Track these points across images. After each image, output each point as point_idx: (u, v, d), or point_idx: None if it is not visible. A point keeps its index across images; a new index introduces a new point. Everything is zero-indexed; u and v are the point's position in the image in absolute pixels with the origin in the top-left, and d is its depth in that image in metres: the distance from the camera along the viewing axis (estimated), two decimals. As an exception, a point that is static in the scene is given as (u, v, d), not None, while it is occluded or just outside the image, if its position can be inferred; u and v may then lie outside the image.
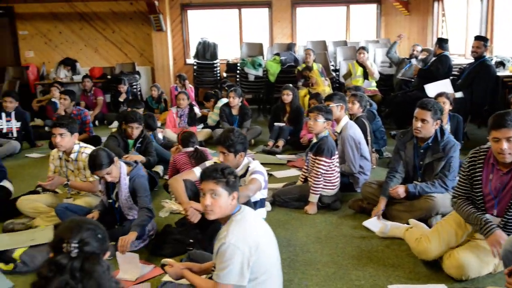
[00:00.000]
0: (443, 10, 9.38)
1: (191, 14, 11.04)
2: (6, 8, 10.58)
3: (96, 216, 3.49)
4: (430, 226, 3.43)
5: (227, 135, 3.31)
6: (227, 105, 6.82)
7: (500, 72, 6.54)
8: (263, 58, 9.82)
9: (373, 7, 10.98)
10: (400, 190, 3.65)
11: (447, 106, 4.85)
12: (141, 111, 6.15)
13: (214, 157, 4.06)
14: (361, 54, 7.87)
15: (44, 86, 10.11)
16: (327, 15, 11.26)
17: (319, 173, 4.05)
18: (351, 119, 4.89)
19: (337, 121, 4.61)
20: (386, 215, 3.83)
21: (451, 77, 6.60)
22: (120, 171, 3.46)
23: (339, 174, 4.23)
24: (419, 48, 8.01)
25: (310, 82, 7.86)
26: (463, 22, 8.65)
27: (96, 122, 8.58)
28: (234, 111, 6.77)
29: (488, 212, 2.82)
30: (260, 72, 9.32)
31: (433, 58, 7.13)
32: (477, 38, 6.28)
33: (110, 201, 3.58)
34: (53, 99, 8.16)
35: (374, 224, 3.75)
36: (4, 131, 6.60)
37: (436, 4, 9.45)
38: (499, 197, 2.77)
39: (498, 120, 2.63)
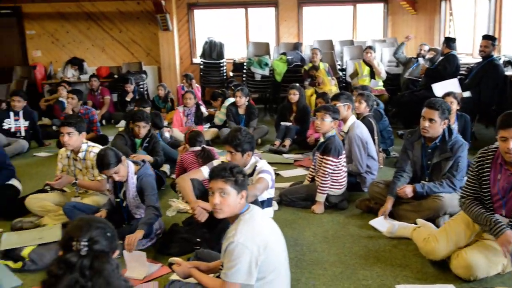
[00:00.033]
0: (451, 9, 9.32)
1: (198, 13, 11.06)
2: (14, 8, 10.65)
3: (104, 215, 3.50)
4: (438, 226, 3.42)
5: (234, 134, 3.32)
6: (233, 104, 6.83)
7: (508, 72, 6.49)
8: (270, 58, 9.82)
9: (380, 6, 10.95)
10: (407, 190, 3.64)
11: (455, 106, 4.82)
12: (148, 110, 6.16)
13: (221, 156, 4.06)
14: (368, 53, 7.85)
15: (52, 85, 10.17)
16: (333, 14, 11.24)
17: (326, 173, 4.04)
18: (358, 118, 4.88)
19: (344, 120, 4.60)
20: (393, 215, 3.82)
21: (458, 77, 6.56)
22: (127, 170, 3.47)
23: (346, 174, 4.22)
24: (426, 48, 7.98)
25: (317, 81, 7.85)
26: (470, 21, 8.60)
27: (103, 122, 8.61)
28: (241, 111, 6.78)
29: (497, 212, 2.81)
30: (266, 72, 9.32)
31: (441, 58, 7.09)
32: (485, 37, 6.24)
33: (118, 200, 3.60)
34: (60, 99, 8.19)
35: (381, 223, 3.74)
36: (13, 130, 6.64)
37: (443, 3, 9.39)
38: (507, 197, 2.76)
39: (506, 120, 2.63)
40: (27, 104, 6.85)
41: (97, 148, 4.04)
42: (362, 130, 4.53)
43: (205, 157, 4.42)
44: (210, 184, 2.29)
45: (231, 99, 7.10)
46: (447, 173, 3.59)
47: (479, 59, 6.44)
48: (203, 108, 7.69)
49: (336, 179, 4.12)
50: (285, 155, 6.01)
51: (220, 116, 7.22)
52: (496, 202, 2.81)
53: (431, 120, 3.57)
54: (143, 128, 4.89)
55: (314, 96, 7.35)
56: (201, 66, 10.30)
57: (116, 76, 10.32)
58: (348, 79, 8.75)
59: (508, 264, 2.86)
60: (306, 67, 8.45)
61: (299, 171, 5.34)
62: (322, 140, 4.19)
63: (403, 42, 8.23)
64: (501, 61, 6.53)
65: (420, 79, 7.45)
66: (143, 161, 3.82)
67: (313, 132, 6.19)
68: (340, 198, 4.18)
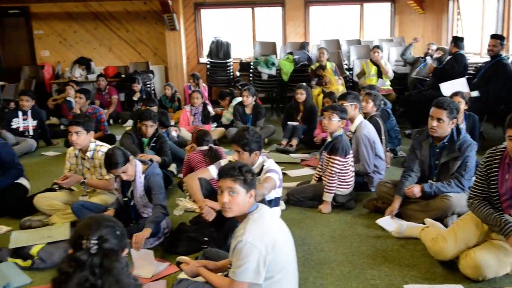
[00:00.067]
0: (459, 8, 9.28)
1: (205, 13, 11.08)
2: (22, 8, 10.72)
3: (112, 214, 3.51)
4: (446, 226, 3.40)
5: (242, 134, 3.32)
6: (240, 104, 6.84)
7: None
8: (277, 57, 9.82)
9: (387, 5, 10.91)
10: (415, 190, 3.63)
11: (463, 106, 4.79)
12: (155, 109, 6.17)
13: (228, 156, 4.07)
14: (375, 53, 7.82)
15: (59, 85, 10.23)
16: (340, 13, 11.21)
17: (333, 172, 4.04)
18: (365, 118, 4.87)
19: (351, 120, 4.59)
20: (401, 215, 3.81)
21: (466, 76, 6.53)
22: (135, 169, 3.49)
23: (353, 173, 4.21)
24: (434, 47, 7.94)
25: (324, 81, 7.84)
26: (479, 20, 8.55)
27: (111, 121, 8.65)
28: (248, 110, 6.79)
29: (505, 212, 2.79)
30: (273, 71, 9.33)
31: (449, 57, 7.06)
32: (493, 36, 6.21)
33: (126, 199, 3.61)
34: (68, 98, 8.22)
35: (388, 222, 3.73)
36: (21, 129, 6.69)
37: (451, 2, 9.35)
38: (515, 197, 2.74)
39: (514, 119, 2.61)
40: (35, 104, 6.89)
41: (105, 147, 4.06)
42: (369, 130, 4.52)
43: (212, 157, 4.43)
44: (219, 183, 2.30)
45: (239, 99, 7.11)
46: (456, 173, 3.58)
47: (487, 59, 6.40)
48: (210, 108, 7.70)
49: (344, 178, 4.12)
50: (292, 155, 6.01)
51: (227, 115, 7.23)
52: (505, 202, 2.79)
53: (439, 119, 3.56)
54: (150, 127, 4.89)
55: (321, 95, 7.34)
56: (208, 66, 10.31)
57: (123, 75, 10.37)
58: (355, 78, 8.74)
59: (517, 264, 2.85)
60: (313, 67, 8.44)
61: (306, 171, 5.34)
62: (329, 139, 4.18)
63: (411, 43, 8.21)
64: (509, 61, 6.47)
65: (427, 79, 7.42)
66: (151, 160, 3.84)
67: (320, 132, 6.19)
68: (347, 198, 4.17)
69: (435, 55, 7.74)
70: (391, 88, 7.90)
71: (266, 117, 7.42)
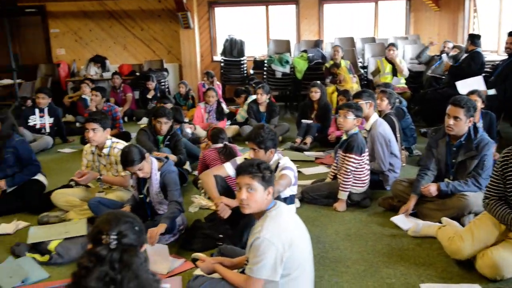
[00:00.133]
0: (475, 6, 9.17)
1: (219, 11, 11.09)
2: (39, 7, 10.83)
3: (128, 210, 3.54)
4: (463, 225, 3.37)
5: (257, 131, 3.33)
6: (254, 102, 6.84)
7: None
8: (290, 55, 9.80)
9: (402, 3, 10.82)
10: (432, 189, 3.60)
11: (479, 104, 4.73)
12: (169, 106, 6.19)
13: (244, 154, 4.07)
14: (390, 50, 7.76)
15: (75, 83, 10.32)
16: (355, 11, 11.15)
17: (348, 170, 4.02)
18: (379, 116, 4.84)
19: (366, 118, 4.56)
20: (417, 214, 3.78)
21: (483, 74, 6.45)
22: (151, 166, 3.51)
23: (369, 172, 4.19)
24: (450, 45, 7.87)
25: (338, 79, 7.81)
26: (495, 17, 8.45)
27: (125, 118, 8.67)
28: (262, 108, 6.79)
29: (522, 212, 2.76)
30: (287, 69, 9.31)
31: (465, 55, 6.99)
32: (511, 34, 6.13)
33: (141, 196, 3.64)
34: (83, 96, 8.30)
35: (402, 221, 3.72)
36: (38, 126, 6.76)
37: (467, -1, 9.25)
38: (530, 197, 2.71)
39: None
40: (52, 101, 6.96)
41: (121, 144, 4.10)
42: (384, 128, 4.49)
43: (227, 154, 4.44)
44: (237, 179, 2.31)
45: (254, 96, 7.11)
46: (473, 172, 3.54)
47: (505, 56, 6.33)
48: (223, 105, 7.70)
49: (359, 177, 4.10)
50: (306, 153, 6.00)
51: (242, 113, 7.23)
52: (521, 201, 2.76)
53: (456, 118, 3.52)
54: (164, 124, 4.89)
55: (335, 93, 7.32)
56: (222, 64, 10.33)
57: (137, 73, 10.43)
58: (370, 76, 8.69)
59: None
60: (327, 65, 8.41)
61: (320, 169, 5.33)
62: (344, 137, 4.17)
63: (427, 46, 8.15)
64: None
65: (443, 77, 7.35)
66: (166, 157, 3.86)
67: (335, 130, 6.17)
68: (363, 196, 4.16)
69: (451, 53, 7.67)
70: (406, 86, 7.85)
71: (280, 115, 7.42)
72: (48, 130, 6.81)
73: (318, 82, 6.86)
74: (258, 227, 2.19)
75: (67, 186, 4.34)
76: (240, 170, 2.28)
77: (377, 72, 8.07)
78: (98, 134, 4.01)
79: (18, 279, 3.01)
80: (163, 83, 10.02)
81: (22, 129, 6.41)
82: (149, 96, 8.89)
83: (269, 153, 3.36)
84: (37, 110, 6.79)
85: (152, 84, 8.94)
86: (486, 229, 2.95)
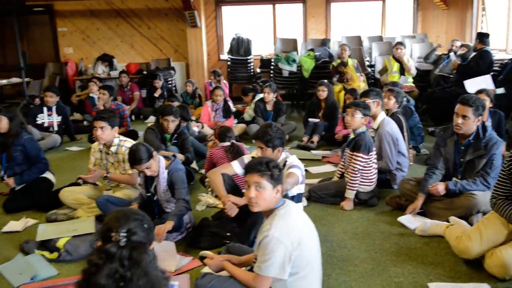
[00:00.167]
0: (483, 4, 9.11)
1: (225, 10, 11.09)
2: (46, 6, 10.90)
3: (136, 208, 3.55)
4: (471, 224, 3.36)
5: (265, 130, 3.32)
6: (261, 100, 6.84)
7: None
8: (297, 54, 9.79)
9: (409, 1, 10.77)
10: (440, 187, 3.59)
11: (488, 103, 4.72)
12: (175, 104, 6.19)
13: (251, 152, 4.07)
14: (398, 49, 7.73)
15: (83, 81, 10.38)
16: (362, 10, 11.11)
17: (356, 169, 4.02)
18: (386, 114, 4.82)
19: (374, 117, 4.55)
20: (424, 213, 3.77)
21: (492, 73, 6.42)
22: (159, 165, 3.52)
23: (376, 171, 4.18)
24: (458, 43, 7.83)
25: (345, 77, 7.79)
26: (504, 16, 8.39)
27: (132, 117, 8.69)
28: (269, 107, 6.79)
29: (530, 212, 2.75)
30: (294, 68, 9.30)
31: (473, 54, 6.95)
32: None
33: (149, 194, 3.65)
34: (91, 94, 8.34)
35: (409, 220, 3.71)
36: (46, 125, 6.79)
37: (475, -2, 9.19)
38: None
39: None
40: (60, 100, 7.00)
41: (128, 142, 4.11)
42: (392, 127, 4.48)
43: (234, 153, 4.45)
44: (246, 177, 2.31)
45: (261, 95, 7.11)
46: (481, 171, 3.52)
47: (514, 55, 6.29)
48: (230, 103, 7.71)
49: (366, 175, 4.09)
50: (313, 152, 6.00)
51: (249, 111, 7.23)
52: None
53: (464, 116, 3.51)
54: (171, 123, 4.88)
55: (343, 92, 7.31)
56: (229, 63, 10.33)
57: (145, 72, 10.47)
58: (377, 75, 8.66)
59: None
60: (334, 63, 8.39)
61: (327, 168, 5.33)
62: (352, 136, 4.16)
63: (435, 48, 8.11)
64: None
65: (451, 76, 7.32)
66: (174, 155, 3.87)
67: (342, 129, 6.17)
68: (370, 195, 4.15)
69: (459, 52, 7.63)
70: (413, 85, 7.82)
71: (287, 114, 7.40)
72: (56, 128, 6.84)
73: (326, 81, 6.84)
74: (267, 225, 2.19)
75: (75, 184, 4.36)
76: (249, 168, 2.29)
77: (384, 71, 8.05)
78: (106, 132, 4.03)
79: (27, 276, 3.03)
80: (170, 82, 10.05)
81: (31, 127, 6.44)
82: (156, 94, 8.92)
83: (277, 151, 3.35)
84: (45, 109, 6.82)
85: (159, 83, 8.98)
86: (494, 228, 2.94)
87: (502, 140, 3.69)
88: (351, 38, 10.04)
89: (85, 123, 8.17)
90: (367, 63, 9.32)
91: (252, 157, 3.41)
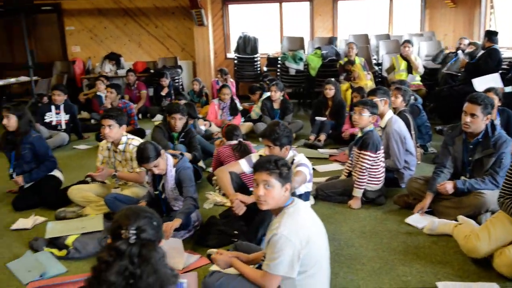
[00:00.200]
0: (492, 2, 9.05)
1: (232, 8, 11.09)
2: (54, 5, 10.94)
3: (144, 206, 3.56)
4: (479, 224, 3.34)
5: (272, 128, 3.32)
6: (268, 99, 6.84)
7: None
8: (304, 52, 9.77)
9: (417, -1, 10.72)
10: (448, 186, 3.57)
11: (496, 102, 4.68)
12: (182, 102, 6.20)
13: (259, 151, 4.07)
14: (406, 47, 7.70)
15: (90, 80, 10.42)
16: (369, 8, 11.07)
17: (363, 168, 4.01)
18: (394, 113, 4.81)
19: (381, 116, 4.54)
20: (433, 212, 3.76)
21: (500, 71, 6.38)
22: (166, 163, 3.53)
23: (384, 169, 4.17)
24: (466, 42, 7.77)
25: (352, 76, 7.76)
26: (513, 14, 8.34)
27: (140, 115, 8.72)
28: (276, 105, 6.79)
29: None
30: (301, 66, 9.28)
31: (482, 52, 6.90)
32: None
33: (157, 192, 3.66)
34: (98, 93, 8.36)
35: (417, 220, 3.69)
36: (54, 123, 6.84)
37: (484, -5, 9.13)
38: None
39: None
40: (68, 98, 7.03)
41: (136, 140, 4.12)
42: (400, 125, 4.47)
43: (242, 151, 4.45)
44: (254, 176, 2.31)
45: (268, 93, 7.10)
46: (490, 170, 3.51)
47: (522, 53, 6.25)
48: (237, 101, 7.71)
49: (374, 174, 4.08)
50: (320, 150, 5.99)
51: (257, 110, 7.23)
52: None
53: (473, 115, 3.49)
54: (179, 120, 4.87)
55: (349, 91, 7.28)
56: (235, 61, 10.32)
57: (152, 70, 10.49)
58: (384, 73, 8.63)
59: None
60: (341, 62, 8.37)
61: (334, 166, 5.32)
62: (360, 134, 4.15)
63: (442, 50, 8.08)
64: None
65: (459, 74, 7.27)
66: (181, 153, 3.88)
67: (349, 127, 6.16)
68: (378, 194, 4.14)
69: (467, 50, 7.58)
70: (421, 83, 7.78)
71: (294, 113, 7.40)
72: (64, 126, 6.88)
73: (333, 79, 6.83)
74: (276, 224, 2.20)
75: (83, 182, 4.38)
76: (258, 166, 2.29)
77: (391, 69, 8.01)
78: (114, 130, 4.04)
79: (36, 273, 3.06)
80: (177, 80, 10.06)
81: (39, 126, 6.47)
82: (163, 93, 8.94)
83: (284, 150, 3.35)
84: (53, 107, 6.86)
85: (166, 81, 8.99)
86: (503, 227, 2.92)
87: (511, 138, 3.66)
88: (358, 36, 10.00)
89: (92, 121, 8.21)
90: (374, 61, 9.28)
91: (260, 155, 3.41)
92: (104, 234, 3.42)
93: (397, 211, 3.97)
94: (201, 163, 5.25)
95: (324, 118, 6.50)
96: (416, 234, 3.50)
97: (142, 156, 3.39)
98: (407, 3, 10.83)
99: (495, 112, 4.68)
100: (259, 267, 2.37)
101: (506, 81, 6.01)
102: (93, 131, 7.18)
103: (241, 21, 11.08)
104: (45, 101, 7.88)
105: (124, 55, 10.93)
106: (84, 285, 1.59)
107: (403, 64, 7.76)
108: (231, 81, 9.08)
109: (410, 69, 7.71)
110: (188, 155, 4.61)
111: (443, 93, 7.04)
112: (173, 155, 3.68)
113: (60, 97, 6.83)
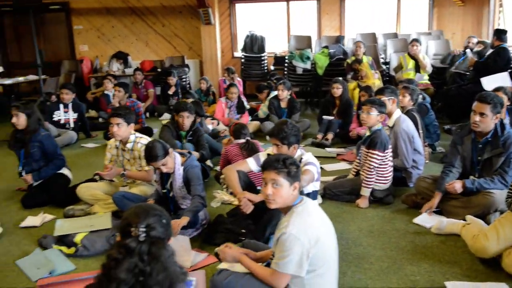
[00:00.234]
0: (500, 0, 8.99)
1: (239, 7, 11.09)
2: (62, 4, 10.99)
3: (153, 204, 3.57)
4: (488, 223, 3.32)
5: (280, 127, 3.32)
6: (276, 97, 6.84)
7: None
8: (311, 51, 9.75)
9: (425, -2, 10.67)
10: (457, 186, 3.56)
11: (505, 101, 4.66)
12: (190, 101, 6.21)
13: (267, 149, 4.07)
14: (414, 46, 7.66)
15: (98, 79, 10.46)
16: (376, 6, 11.02)
17: (371, 167, 4.00)
18: (402, 112, 4.79)
19: (389, 115, 4.52)
20: (441, 211, 3.74)
21: (509, 70, 6.33)
22: (174, 162, 3.54)
23: (392, 168, 4.15)
24: (474, 40, 7.73)
25: (360, 75, 7.74)
26: (522, 12, 8.28)
27: (147, 114, 8.74)
28: (283, 104, 6.79)
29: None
30: (308, 65, 9.27)
31: (490, 50, 6.86)
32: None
33: (165, 190, 3.67)
34: (106, 92, 8.40)
35: (425, 220, 3.67)
36: (62, 122, 6.87)
37: (493, -6, 9.07)
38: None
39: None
40: (76, 97, 7.07)
41: (144, 139, 4.14)
42: (408, 124, 4.45)
43: (250, 150, 4.46)
44: (263, 174, 2.31)
45: (276, 92, 7.10)
46: (499, 169, 3.49)
47: (532, 52, 6.20)
48: (244, 100, 7.71)
49: (382, 173, 4.07)
50: (327, 149, 5.98)
51: (264, 109, 7.23)
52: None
53: (482, 114, 3.47)
54: (186, 119, 4.88)
55: (357, 90, 7.25)
56: (242, 60, 10.32)
57: (159, 69, 10.51)
58: (392, 72, 8.60)
59: None
60: (349, 61, 8.35)
61: (342, 165, 5.31)
62: (368, 133, 4.14)
63: (450, 52, 8.05)
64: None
65: (467, 73, 7.23)
66: (189, 152, 3.89)
67: (356, 126, 6.14)
68: (385, 193, 4.12)
69: (476, 49, 7.54)
70: (429, 82, 7.75)
71: (301, 111, 7.39)
72: (72, 125, 6.92)
73: (340, 78, 6.82)
74: (285, 223, 2.20)
75: (92, 180, 4.40)
76: (266, 165, 2.29)
77: (399, 68, 7.98)
78: (122, 128, 4.06)
79: (45, 270, 3.08)
80: (184, 79, 10.08)
81: (47, 124, 6.51)
82: (170, 92, 8.97)
83: (292, 148, 3.35)
84: (61, 106, 6.90)
85: (173, 80, 9.02)
86: (511, 227, 2.90)
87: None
88: (366, 35, 9.96)
89: (100, 120, 8.24)
90: (382, 60, 9.25)
91: (268, 154, 3.41)
92: (112, 232, 3.44)
93: (405, 211, 3.96)
94: (208, 162, 5.26)
95: (331, 117, 6.49)
96: (424, 233, 3.49)
97: (151, 155, 3.41)
98: (415, 2, 10.77)
99: (504, 111, 4.65)
100: (267, 266, 2.37)
101: (516, 80, 5.97)
102: (101, 130, 7.21)
103: (248, 20, 11.08)
104: (53, 100, 7.92)
105: (132, 54, 10.97)
106: (93, 282, 1.60)
107: (411, 63, 7.72)
108: (238, 80, 9.08)
109: (418, 68, 7.68)
110: (196, 154, 4.61)
111: (451, 92, 7.00)
112: (181, 154, 3.69)
113: (68, 96, 6.87)
